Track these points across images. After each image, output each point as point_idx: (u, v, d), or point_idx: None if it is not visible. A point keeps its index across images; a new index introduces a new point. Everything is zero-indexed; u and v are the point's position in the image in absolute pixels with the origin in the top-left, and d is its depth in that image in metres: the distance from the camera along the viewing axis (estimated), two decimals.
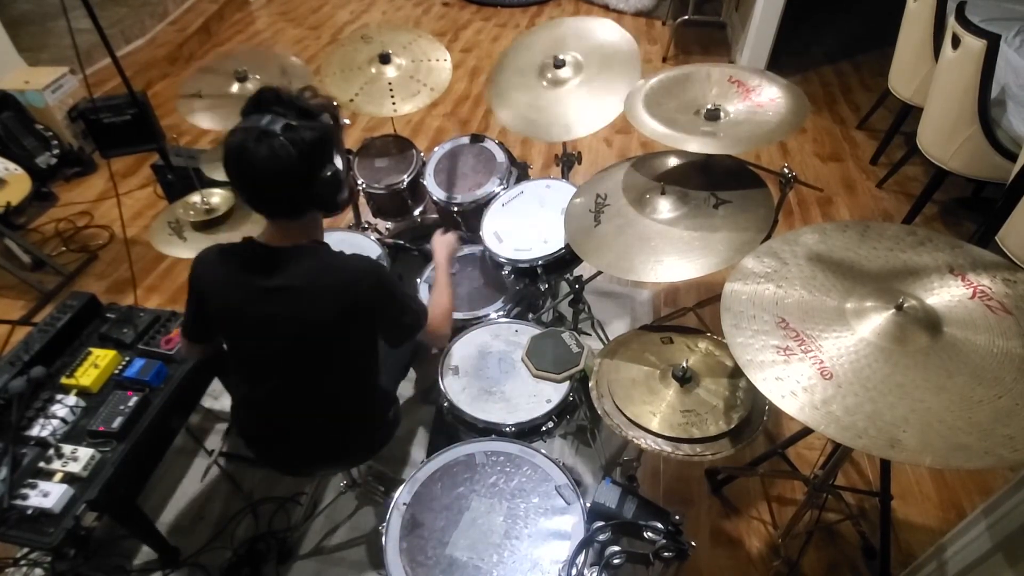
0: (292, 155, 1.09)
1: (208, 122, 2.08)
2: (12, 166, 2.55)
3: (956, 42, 2.20)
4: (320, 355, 1.29)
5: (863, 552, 1.73)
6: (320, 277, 1.21)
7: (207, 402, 2.06)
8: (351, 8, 4.97)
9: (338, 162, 1.21)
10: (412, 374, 2.16)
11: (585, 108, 1.90)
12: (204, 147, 3.29)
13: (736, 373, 1.37)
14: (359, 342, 1.33)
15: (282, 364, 1.30)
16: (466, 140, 2.27)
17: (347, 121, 2.19)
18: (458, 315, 1.85)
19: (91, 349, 1.65)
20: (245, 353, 1.34)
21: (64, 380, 1.58)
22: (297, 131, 1.10)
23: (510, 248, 1.86)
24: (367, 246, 1.99)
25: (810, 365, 1.02)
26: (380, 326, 1.33)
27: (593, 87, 1.93)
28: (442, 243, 1.73)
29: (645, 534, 1.11)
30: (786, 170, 1.61)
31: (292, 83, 2.15)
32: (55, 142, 3.09)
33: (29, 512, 1.33)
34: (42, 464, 1.41)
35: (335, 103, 1.25)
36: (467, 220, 2.12)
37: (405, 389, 2.13)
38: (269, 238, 1.23)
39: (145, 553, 1.75)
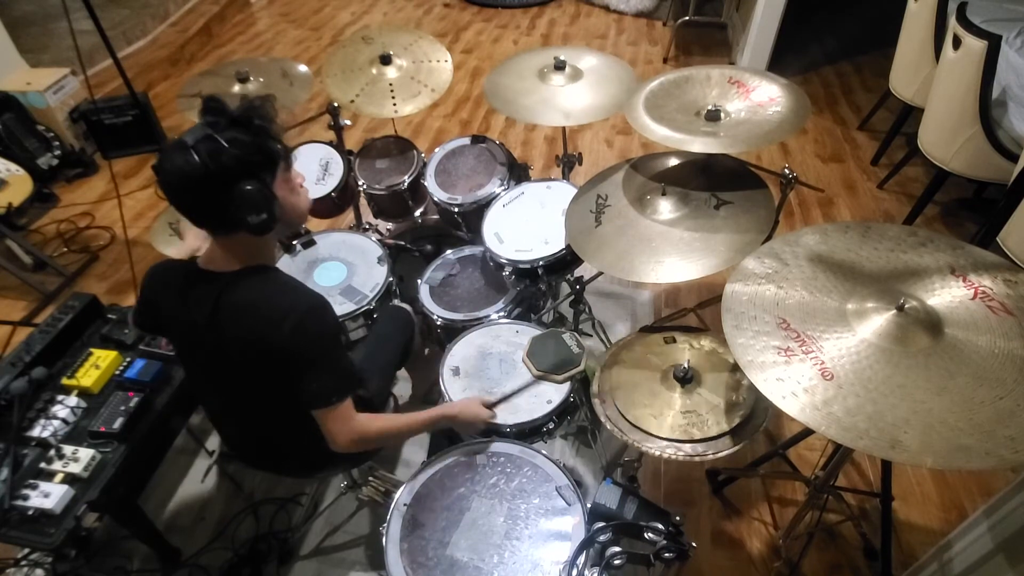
0: (197, 169, 1.03)
1: None
2: (13, 167, 2.56)
3: (957, 43, 2.20)
4: (257, 387, 1.24)
5: (864, 553, 1.72)
6: (245, 313, 1.15)
7: None
8: (352, 9, 4.97)
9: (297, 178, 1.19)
10: (407, 375, 2.16)
11: (586, 99, 1.91)
12: None
13: (737, 370, 1.37)
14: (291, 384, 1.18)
15: (225, 387, 1.30)
16: (467, 141, 2.27)
17: (348, 122, 2.21)
18: (459, 316, 1.85)
19: (92, 350, 1.65)
20: (192, 370, 1.34)
21: (65, 381, 1.58)
22: (214, 143, 1.03)
23: (511, 249, 1.86)
24: (367, 247, 1.99)
25: (811, 366, 1.02)
26: (287, 378, 1.16)
27: (593, 85, 1.94)
28: (468, 411, 1.40)
29: (646, 535, 1.11)
30: (787, 171, 1.61)
31: (293, 85, 2.15)
32: (56, 143, 3.09)
33: (30, 513, 1.33)
34: (43, 465, 1.41)
35: (282, 129, 1.16)
36: (468, 221, 2.12)
37: (405, 390, 2.13)
38: (208, 259, 1.19)
39: (146, 554, 1.75)
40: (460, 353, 1.66)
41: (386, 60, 2.17)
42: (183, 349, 1.32)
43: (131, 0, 4.28)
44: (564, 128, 2.21)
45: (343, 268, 1.92)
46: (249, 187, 1.08)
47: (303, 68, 2.22)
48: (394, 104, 2.12)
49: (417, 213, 2.38)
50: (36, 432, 1.47)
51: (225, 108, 1.09)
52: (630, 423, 1.31)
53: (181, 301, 1.20)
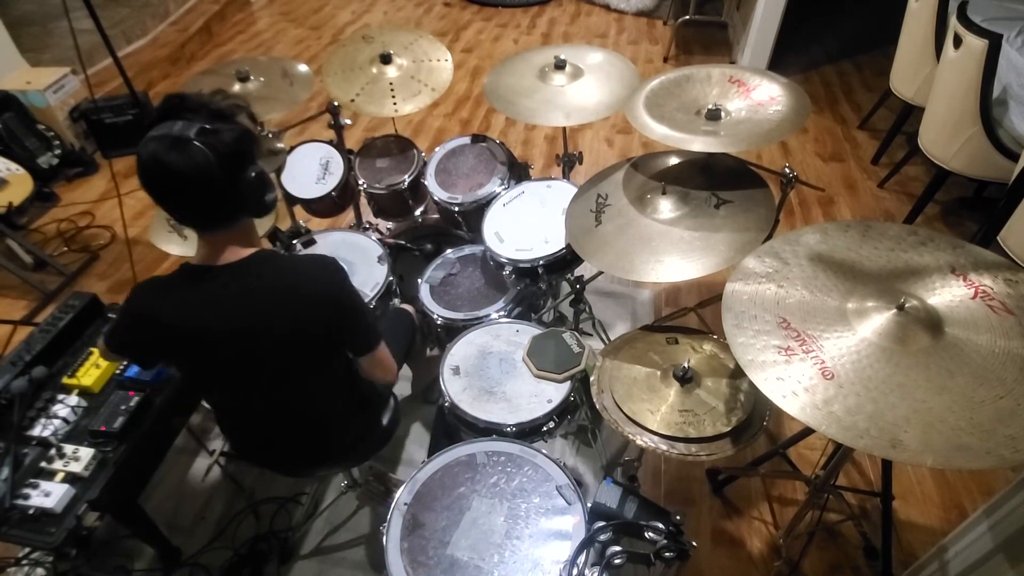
0: (211, 160, 1.04)
1: None
2: (14, 166, 2.56)
3: (958, 42, 2.19)
4: (302, 358, 1.27)
5: (865, 552, 1.72)
6: (289, 283, 1.19)
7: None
8: (352, 8, 4.97)
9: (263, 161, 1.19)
10: (409, 373, 2.16)
11: (587, 97, 1.91)
12: None
13: (738, 375, 1.37)
14: (336, 339, 1.31)
15: (265, 373, 1.27)
16: (467, 140, 2.27)
17: (348, 121, 2.20)
18: (459, 315, 1.85)
19: (93, 349, 1.65)
20: (222, 371, 1.27)
21: (66, 380, 1.58)
22: (212, 134, 1.05)
23: (511, 248, 1.86)
24: (368, 246, 1.99)
25: (811, 365, 1.02)
26: (345, 330, 1.29)
27: (594, 84, 1.94)
28: None
29: (646, 534, 1.11)
30: (787, 170, 1.61)
31: (293, 84, 2.15)
32: (57, 142, 3.09)
33: (31, 512, 1.33)
34: (44, 464, 1.41)
35: (248, 105, 1.19)
36: (468, 220, 2.12)
37: (405, 389, 2.13)
38: (206, 257, 1.17)
39: (146, 553, 1.75)
40: (460, 352, 1.66)
41: (386, 59, 2.17)
42: (202, 354, 1.22)
43: None
44: (564, 127, 2.21)
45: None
46: (256, 172, 1.14)
47: (303, 67, 2.22)
48: (394, 103, 2.12)
49: (417, 212, 2.38)
50: (37, 431, 1.47)
51: (200, 103, 1.10)
52: (626, 415, 1.32)
53: (200, 304, 1.17)
